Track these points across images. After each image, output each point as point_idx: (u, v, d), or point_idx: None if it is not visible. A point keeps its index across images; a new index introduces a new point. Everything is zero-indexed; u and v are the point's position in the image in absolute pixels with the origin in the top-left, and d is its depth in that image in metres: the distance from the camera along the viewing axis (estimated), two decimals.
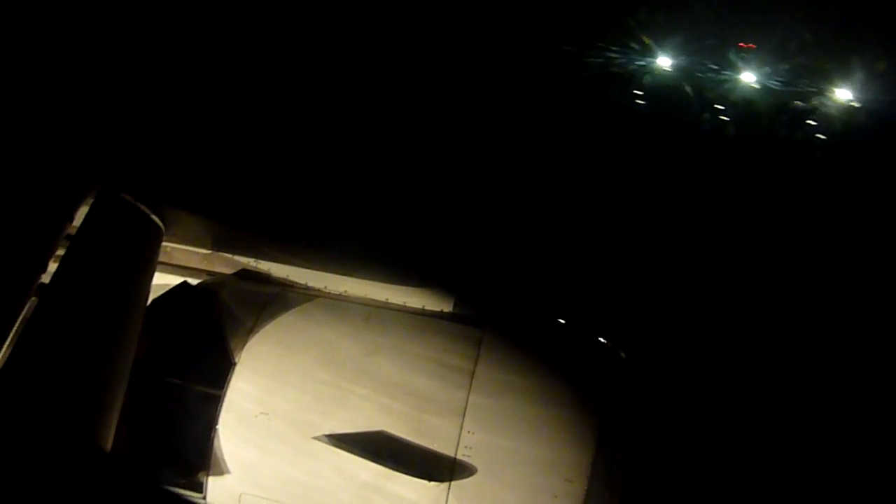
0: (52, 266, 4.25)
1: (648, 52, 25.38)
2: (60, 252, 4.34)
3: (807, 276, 12.56)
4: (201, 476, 4.65)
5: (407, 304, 5.17)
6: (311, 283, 5.32)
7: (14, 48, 5.09)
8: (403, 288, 5.22)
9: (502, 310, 5.29)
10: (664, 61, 25.47)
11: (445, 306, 5.15)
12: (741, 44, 25.41)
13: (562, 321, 5.39)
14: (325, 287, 5.29)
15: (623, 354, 5.12)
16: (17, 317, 3.94)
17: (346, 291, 5.27)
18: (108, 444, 4.09)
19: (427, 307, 5.15)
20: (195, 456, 4.64)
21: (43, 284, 4.13)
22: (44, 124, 4.75)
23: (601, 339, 5.22)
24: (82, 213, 4.54)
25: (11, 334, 3.88)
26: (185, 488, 4.70)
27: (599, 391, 4.69)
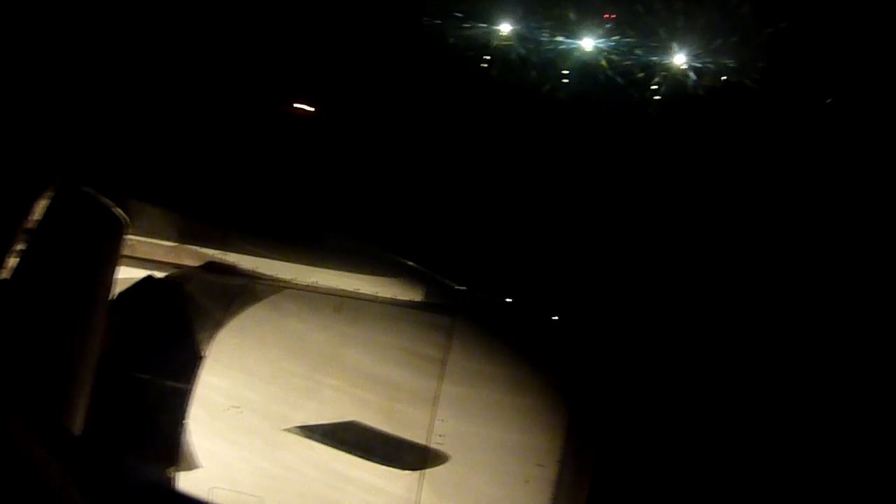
0: (12, 262, 4.16)
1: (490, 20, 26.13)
2: (20, 247, 4.25)
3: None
4: (171, 471, 4.61)
5: (377, 294, 5.16)
6: (279, 275, 5.28)
7: None
8: (374, 278, 5.20)
9: (473, 298, 5.31)
10: (505, 28, 26.28)
11: (416, 296, 5.15)
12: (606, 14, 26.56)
13: (531, 308, 5.43)
14: (294, 278, 5.25)
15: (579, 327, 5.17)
16: None
17: (315, 282, 5.24)
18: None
19: (398, 297, 5.15)
20: (164, 451, 4.59)
21: (3, 280, 4.04)
22: (2, 116, 4.63)
23: (560, 319, 5.26)
24: (42, 206, 4.45)
25: None
26: (154, 484, 4.65)
27: (569, 377, 4.74)
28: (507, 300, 5.49)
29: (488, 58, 25.58)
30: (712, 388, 8.79)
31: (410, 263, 5.38)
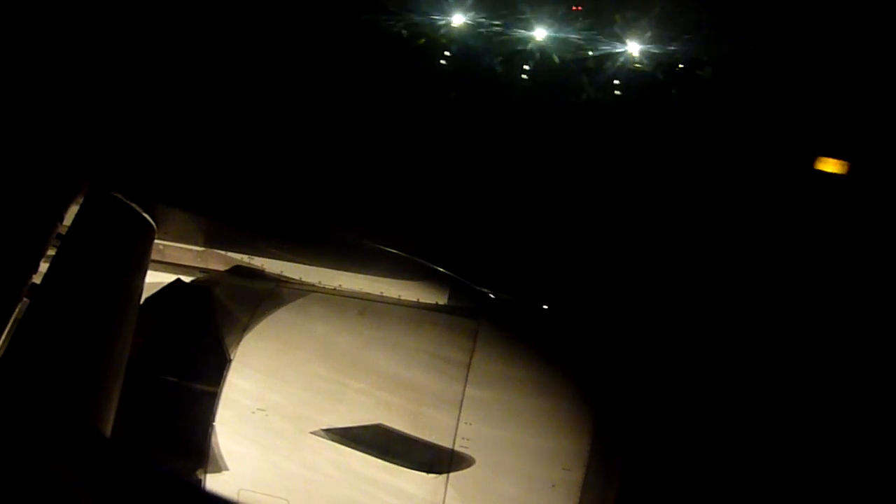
0: (44, 266, 4.22)
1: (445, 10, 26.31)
2: (51, 252, 4.31)
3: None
4: (199, 473, 4.65)
5: (402, 298, 5.17)
6: (305, 279, 5.31)
7: None
8: (398, 281, 5.21)
9: (497, 301, 5.29)
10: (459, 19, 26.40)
11: (440, 299, 5.14)
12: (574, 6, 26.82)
13: (556, 310, 5.39)
14: (320, 282, 5.28)
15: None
16: (10, 318, 3.91)
17: (340, 286, 5.25)
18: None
19: (422, 300, 5.15)
20: (192, 453, 4.64)
21: (35, 285, 4.10)
22: (33, 123, 4.71)
23: (586, 322, 5.22)
24: (73, 212, 4.51)
25: (3, 336, 3.85)
26: (182, 486, 4.69)
27: (595, 379, 4.70)
28: (532, 303, 5.46)
29: (447, 53, 25.93)
30: (741, 392, 8.66)
31: (434, 266, 5.37)
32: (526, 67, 26.10)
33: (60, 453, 3.30)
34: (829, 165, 18.51)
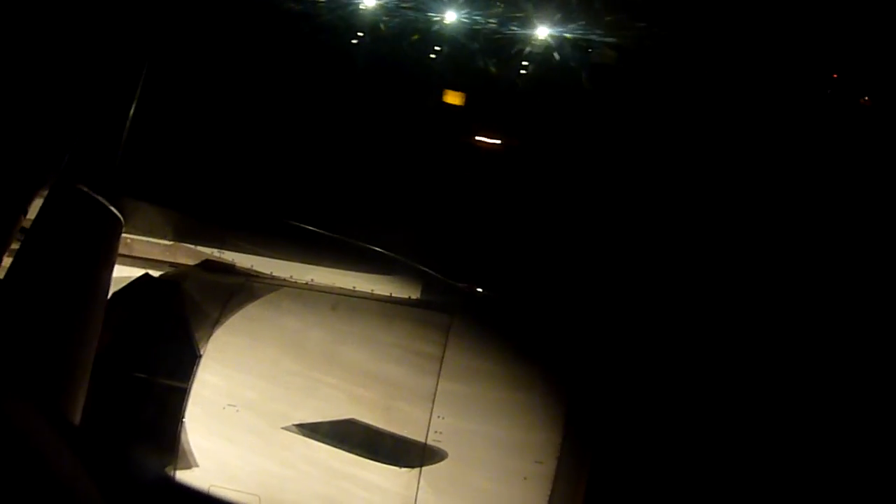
0: (7, 261, 4.14)
1: None
2: (15, 246, 4.22)
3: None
4: (169, 470, 4.59)
5: (374, 292, 5.16)
6: (276, 273, 5.27)
7: None
8: (370, 276, 5.20)
9: (470, 295, 5.30)
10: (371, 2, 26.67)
11: (413, 293, 5.14)
12: None
13: (529, 304, 5.42)
14: (291, 276, 5.24)
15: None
16: None
17: (312, 280, 5.23)
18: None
19: (395, 294, 5.14)
20: (162, 450, 4.58)
21: None
22: None
23: (558, 316, 5.26)
24: (37, 205, 4.42)
25: None
26: (152, 483, 4.63)
27: (567, 373, 4.74)
28: (505, 297, 5.48)
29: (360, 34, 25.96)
30: (712, 386, 8.79)
31: (407, 261, 5.37)
32: (437, 49, 26.22)
33: (40, 436, 3.23)
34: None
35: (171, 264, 5.36)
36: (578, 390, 4.68)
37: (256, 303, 4.98)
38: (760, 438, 8.23)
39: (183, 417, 4.58)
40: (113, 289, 4.93)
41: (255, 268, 5.29)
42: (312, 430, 4.50)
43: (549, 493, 4.38)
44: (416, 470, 4.43)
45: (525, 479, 4.40)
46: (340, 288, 5.18)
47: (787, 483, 7.81)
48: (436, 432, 4.47)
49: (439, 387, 4.57)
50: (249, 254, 5.31)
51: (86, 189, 4.70)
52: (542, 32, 27.45)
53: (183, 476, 4.61)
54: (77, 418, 4.07)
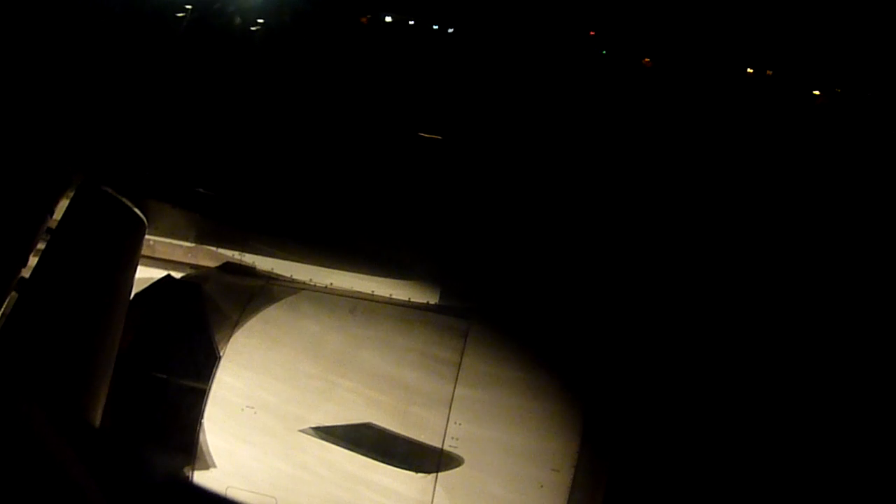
0: (33, 260, 4.20)
1: None
2: (41, 246, 4.28)
3: None
4: (187, 470, 4.63)
5: (393, 297, 5.16)
6: (296, 276, 5.30)
7: None
8: (389, 280, 5.20)
9: (488, 301, 5.29)
10: None
11: (431, 298, 5.14)
12: None
13: (546, 312, 5.39)
14: (311, 280, 5.27)
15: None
16: None
17: (331, 284, 5.25)
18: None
19: (413, 299, 5.14)
20: (181, 450, 4.62)
21: (23, 279, 4.08)
22: (24, 117, 4.68)
23: (575, 323, 5.22)
24: (63, 206, 4.48)
25: None
26: (170, 482, 4.67)
27: (585, 381, 4.71)
28: (523, 304, 5.46)
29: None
30: (730, 393, 8.69)
31: (426, 266, 5.37)
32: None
33: (50, 440, 3.28)
34: None
35: (193, 266, 5.41)
36: (596, 398, 4.65)
37: (275, 305, 5.01)
38: (776, 448, 8.12)
39: (202, 418, 4.62)
40: (135, 290, 4.99)
41: (275, 270, 5.32)
42: (329, 434, 4.51)
43: (565, 501, 4.35)
44: (433, 475, 4.42)
45: (541, 486, 4.38)
46: (359, 292, 5.19)
47: (803, 493, 7.70)
48: (452, 438, 4.46)
49: (456, 392, 4.56)
50: (270, 256, 5.34)
51: (110, 191, 4.76)
52: None
53: (201, 476, 4.64)
54: (98, 416, 4.13)
